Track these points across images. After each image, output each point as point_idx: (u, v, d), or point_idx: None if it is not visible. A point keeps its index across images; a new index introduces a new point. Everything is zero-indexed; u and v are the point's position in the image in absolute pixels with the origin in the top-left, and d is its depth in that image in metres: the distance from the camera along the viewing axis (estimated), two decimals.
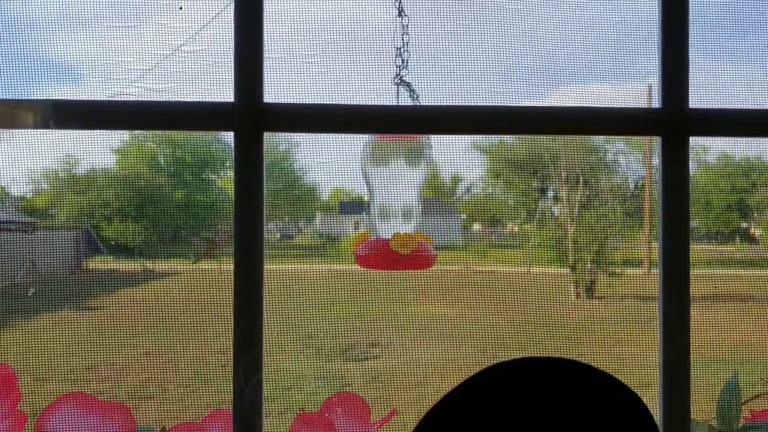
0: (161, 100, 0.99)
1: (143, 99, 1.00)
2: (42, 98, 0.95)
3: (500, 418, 0.79)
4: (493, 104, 1.05)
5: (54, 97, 0.95)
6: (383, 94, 1.14)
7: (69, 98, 0.96)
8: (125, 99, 0.99)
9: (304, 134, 1.25)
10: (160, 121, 1.00)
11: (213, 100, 0.98)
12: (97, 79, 1.29)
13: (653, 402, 0.96)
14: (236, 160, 0.95)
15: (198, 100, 0.98)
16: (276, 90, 1.00)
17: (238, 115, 0.96)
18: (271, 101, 0.98)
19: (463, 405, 0.79)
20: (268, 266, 0.97)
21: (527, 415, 0.79)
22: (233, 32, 0.97)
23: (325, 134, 1.09)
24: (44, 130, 1.05)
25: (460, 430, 0.78)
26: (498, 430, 0.78)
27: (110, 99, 1.00)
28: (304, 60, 1.30)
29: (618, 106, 1.01)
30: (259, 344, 0.96)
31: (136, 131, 3.48)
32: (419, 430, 0.77)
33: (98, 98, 0.98)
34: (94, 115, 0.97)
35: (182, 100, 0.98)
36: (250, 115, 0.96)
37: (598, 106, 1.02)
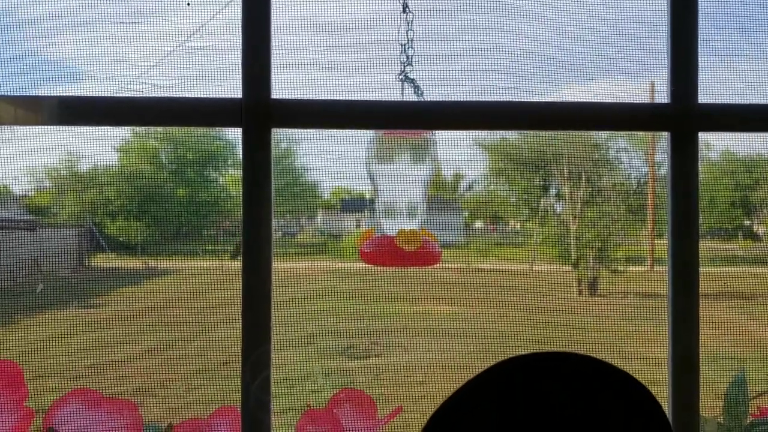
0: (168, 96, 0.99)
1: (150, 95, 0.99)
2: (49, 95, 0.95)
3: (509, 414, 0.79)
4: (500, 99, 1.05)
5: (61, 94, 0.95)
6: (388, 91, 1.14)
7: (76, 95, 0.96)
8: (132, 95, 0.98)
9: (305, 132, 1.25)
10: (167, 118, 1.00)
11: (221, 96, 0.98)
12: (104, 75, 1.29)
13: (661, 399, 0.95)
14: (244, 156, 0.95)
15: (206, 96, 0.98)
16: (282, 86, 1.00)
17: (246, 111, 0.96)
18: (278, 97, 0.98)
19: (474, 401, 0.78)
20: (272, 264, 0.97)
21: (536, 410, 0.79)
22: (241, 29, 0.96)
23: (327, 132, 1.09)
24: (46, 128, 1.04)
25: (469, 427, 0.78)
26: (507, 426, 0.78)
27: (117, 95, 1.00)
28: (310, 56, 1.30)
29: (626, 101, 1.01)
30: (267, 342, 0.96)
31: (141, 128, 3.48)
32: (429, 428, 0.77)
33: (105, 95, 0.98)
34: (101, 111, 0.96)
35: (190, 96, 0.98)
36: (258, 111, 0.96)
37: (607, 101, 1.02)
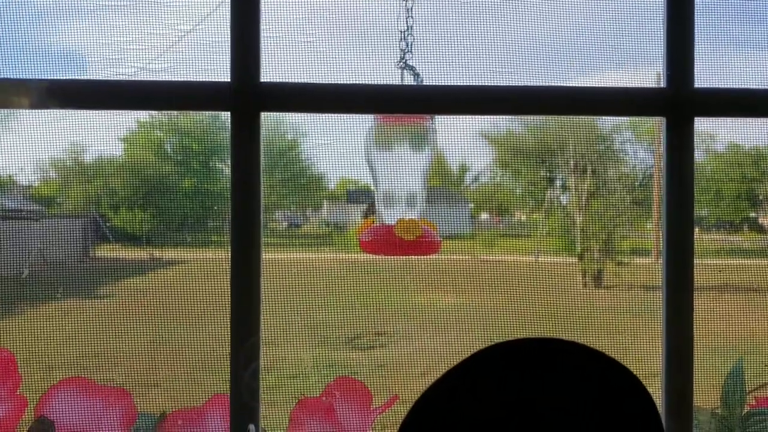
0: (154, 79, 0.98)
1: (138, 79, 0.98)
2: (38, 78, 0.94)
3: (493, 399, 0.78)
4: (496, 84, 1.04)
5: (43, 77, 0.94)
6: (387, 79, 1.13)
7: (64, 78, 0.95)
8: (116, 79, 0.98)
9: (312, 123, 1.25)
10: (155, 102, 0.99)
11: (210, 79, 0.97)
12: (92, 59, 1.28)
13: (656, 390, 0.94)
14: (233, 141, 0.94)
15: (193, 79, 0.97)
16: (276, 72, 0.99)
17: (235, 94, 0.95)
18: (268, 80, 0.97)
19: (454, 389, 0.78)
20: (276, 255, 0.96)
21: (521, 395, 0.78)
22: (230, 10, 0.95)
23: (332, 124, 1.08)
24: (51, 119, 1.04)
25: (453, 414, 0.78)
26: (491, 412, 0.78)
27: (101, 79, 0.99)
28: (304, 43, 1.29)
29: (622, 86, 1.00)
30: (257, 332, 0.95)
31: (136, 113, 3.48)
32: (411, 417, 0.77)
33: (90, 78, 0.97)
34: (88, 95, 0.96)
35: (176, 79, 0.97)
36: (247, 94, 0.95)
37: (601, 86, 1.01)
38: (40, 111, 0.96)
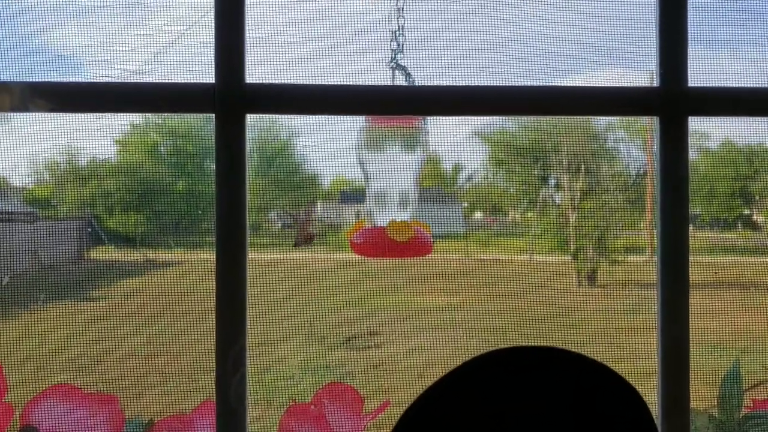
0: (135, 81, 0.96)
1: (116, 80, 0.97)
2: (18, 80, 0.92)
3: (486, 410, 0.77)
4: (488, 84, 1.03)
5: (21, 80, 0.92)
6: (378, 80, 1.12)
7: (46, 80, 0.94)
8: (96, 81, 0.96)
9: (305, 123, 1.24)
10: (137, 104, 0.97)
11: (194, 81, 0.95)
12: (77, 62, 1.27)
13: (652, 391, 0.94)
14: (217, 144, 0.93)
15: (175, 81, 0.95)
16: (264, 74, 0.98)
17: (219, 96, 0.93)
18: (253, 81, 0.95)
19: (444, 400, 0.77)
20: (270, 255, 0.95)
21: (512, 405, 0.77)
22: (213, 9, 0.94)
23: (325, 123, 1.07)
24: (45, 121, 1.03)
25: (440, 426, 0.77)
26: (479, 424, 0.77)
27: (79, 81, 0.97)
28: (293, 44, 1.28)
29: (613, 85, 0.99)
30: (244, 336, 0.94)
31: (129, 116, 3.48)
32: (401, 426, 0.76)
33: (69, 80, 0.95)
34: (71, 98, 0.94)
35: (158, 81, 0.95)
36: (232, 96, 0.93)
37: (593, 85, 1.00)
38: (33, 113, 0.95)
